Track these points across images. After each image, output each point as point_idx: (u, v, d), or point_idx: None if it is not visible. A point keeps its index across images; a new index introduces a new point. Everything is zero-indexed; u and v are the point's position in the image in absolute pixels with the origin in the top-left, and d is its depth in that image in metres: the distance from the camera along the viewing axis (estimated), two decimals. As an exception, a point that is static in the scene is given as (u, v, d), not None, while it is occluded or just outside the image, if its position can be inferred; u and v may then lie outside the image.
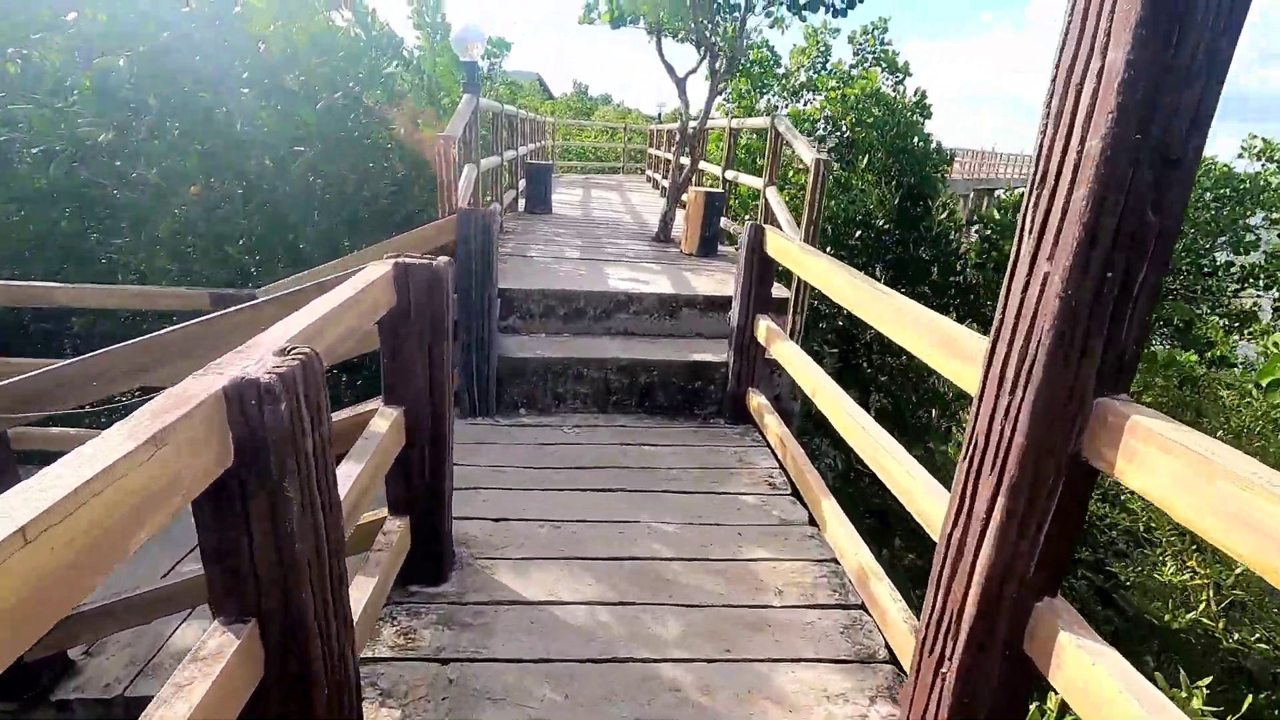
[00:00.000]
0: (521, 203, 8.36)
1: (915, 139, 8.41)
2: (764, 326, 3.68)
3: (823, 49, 10.36)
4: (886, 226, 7.58)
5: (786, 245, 3.43)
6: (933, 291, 7.63)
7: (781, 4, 6.09)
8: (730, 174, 6.51)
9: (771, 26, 6.31)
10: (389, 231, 4.77)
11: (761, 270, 3.75)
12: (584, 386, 4.11)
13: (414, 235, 3.63)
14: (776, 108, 9.59)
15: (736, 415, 4.02)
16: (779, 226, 4.56)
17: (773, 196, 4.99)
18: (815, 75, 10.27)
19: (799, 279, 4.10)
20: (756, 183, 5.45)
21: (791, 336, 4.22)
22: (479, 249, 3.66)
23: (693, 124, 6.31)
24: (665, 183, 11.52)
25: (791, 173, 7.85)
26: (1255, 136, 8.68)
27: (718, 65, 5.93)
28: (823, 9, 5.93)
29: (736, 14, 6.14)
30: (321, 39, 4.24)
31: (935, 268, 7.54)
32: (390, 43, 4.82)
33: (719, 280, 5.10)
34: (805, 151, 4.19)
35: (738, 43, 5.89)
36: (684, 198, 6.43)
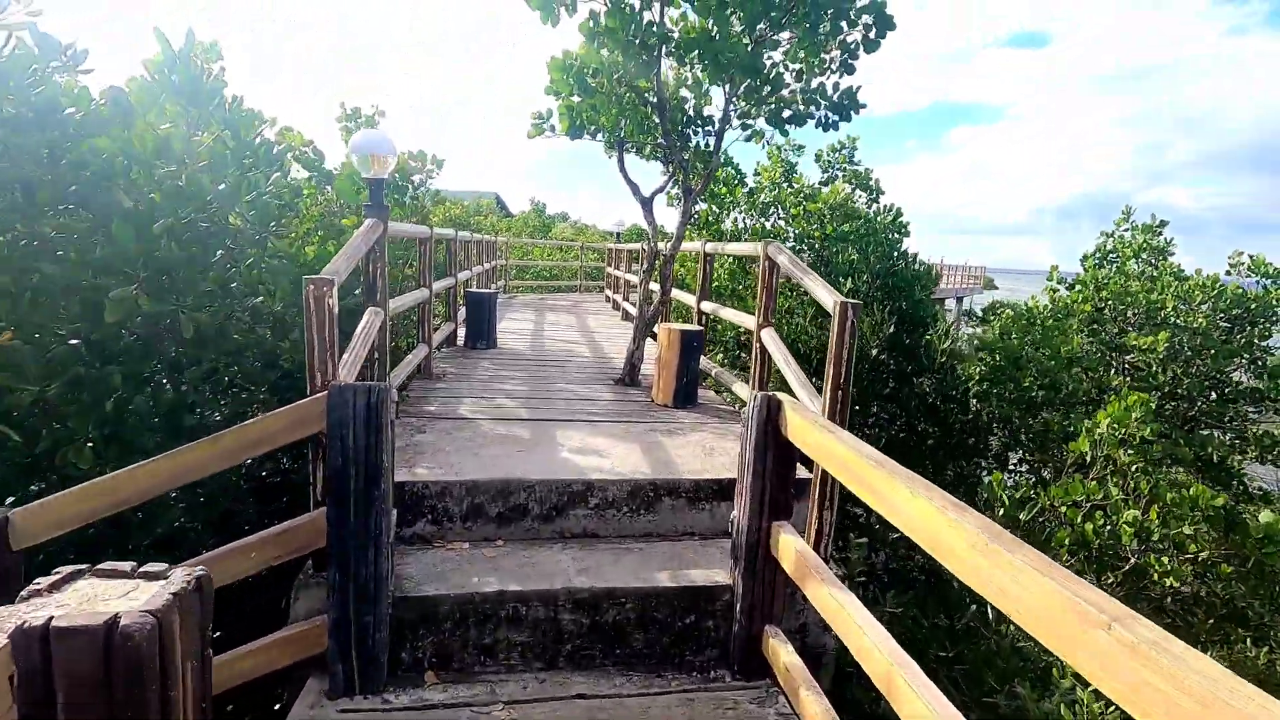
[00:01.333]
0: (462, 334, 7.23)
1: (898, 258, 7.69)
2: (788, 545, 2.48)
3: (786, 167, 9.90)
4: (882, 357, 6.64)
5: (819, 433, 2.28)
6: (940, 430, 6.61)
7: (760, 117, 5.36)
8: (708, 306, 5.50)
9: (748, 140, 5.54)
10: (256, 401, 3.50)
11: (779, 462, 2.58)
12: (523, 633, 2.77)
13: (253, 428, 2.37)
14: (744, 227, 8.91)
15: (749, 667, 2.73)
16: (787, 387, 3.47)
17: (771, 341, 3.93)
18: (778, 192, 9.73)
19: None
20: (747, 321, 4.41)
21: (818, 546, 3.00)
22: (360, 443, 2.42)
23: (662, 247, 5.36)
24: (626, 304, 10.60)
25: (792, 305, 6.93)
26: (1241, 253, 8.28)
27: (691, 183, 5.06)
28: (811, 122, 5.19)
29: (710, 127, 5.38)
30: (171, 143, 3.14)
31: (940, 401, 6.56)
32: (267, 151, 3.75)
33: (707, 448, 3.92)
34: (823, 293, 3.16)
35: (713, 159, 5.06)
36: (656, 330, 5.38)
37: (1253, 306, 7.24)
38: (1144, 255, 8.49)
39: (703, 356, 5.26)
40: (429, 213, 8.27)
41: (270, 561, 2.48)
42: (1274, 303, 7.21)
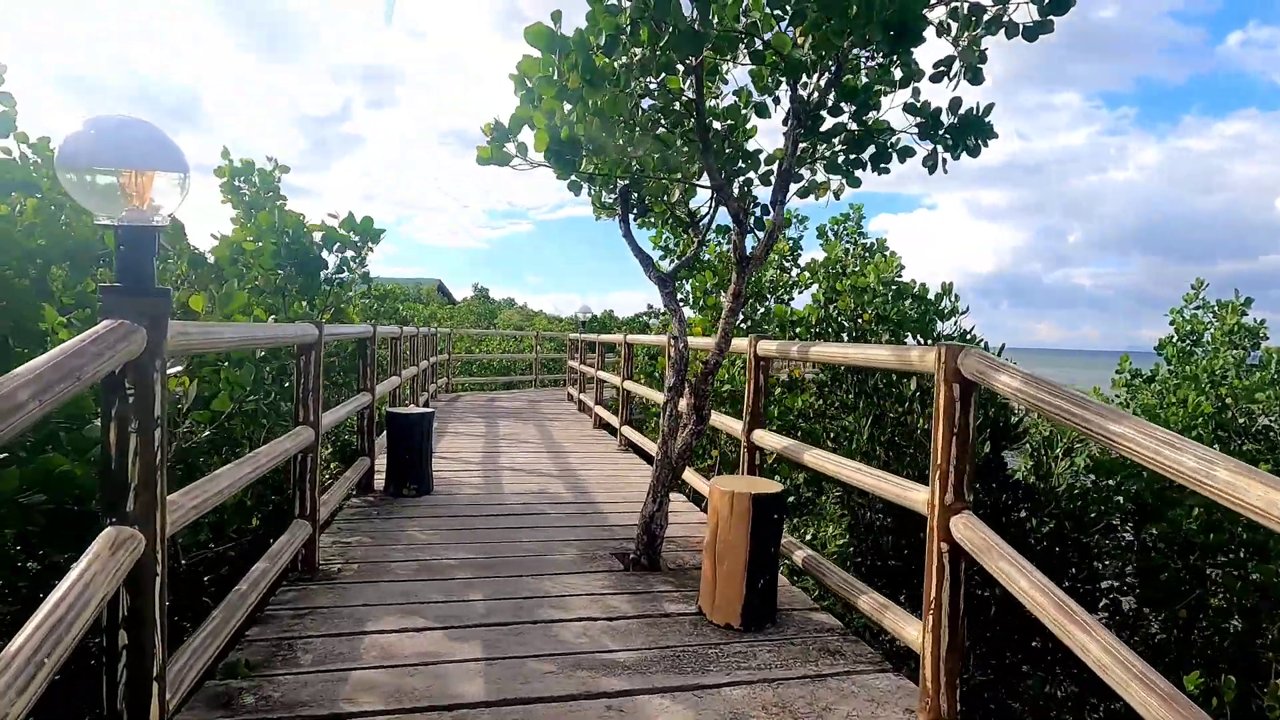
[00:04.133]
0: (380, 476, 4.96)
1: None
2: None
3: (790, 242, 8.24)
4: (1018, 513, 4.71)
5: None
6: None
7: (822, 160, 3.56)
8: (774, 440, 3.46)
9: (804, 196, 3.71)
10: None
11: None
12: None
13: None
14: (756, 309, 7.08)
15: None
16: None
17: (988, 546, 1.90)
18: (787, 268, 8.02)
19: None
20: (905, 492, 2.37)
21: None
22: None
23: (704, 344, 3.36)
24: (599, 409, 8.51)
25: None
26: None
27: (744, 249, 3.14)
28: (903, 157, 3.42)
29: (752, 167, 3.53)
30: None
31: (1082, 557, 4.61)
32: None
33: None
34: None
35: (775, 212, 3.17)
36: (688, 478, 3.30)
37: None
38: (1235, 338, 7.03)
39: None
40: (346, 305, 6.11)
41: None
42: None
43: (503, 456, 6.54)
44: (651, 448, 6.26)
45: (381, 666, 2.43)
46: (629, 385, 7.01)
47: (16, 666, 1.17)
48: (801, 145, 3.32)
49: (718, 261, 7.21)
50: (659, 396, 6.29)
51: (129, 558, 1.53)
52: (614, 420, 7.65)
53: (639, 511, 4.64)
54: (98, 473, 1.59)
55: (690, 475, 4.54)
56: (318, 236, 4.73)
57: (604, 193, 4.01)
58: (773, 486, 2.97)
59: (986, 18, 2.64)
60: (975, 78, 2.99)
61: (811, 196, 3.73)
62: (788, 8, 2.33)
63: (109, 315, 1.55)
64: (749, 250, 3.18)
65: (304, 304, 4.63)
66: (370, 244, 4.98)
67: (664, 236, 7.55)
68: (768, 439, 3.51)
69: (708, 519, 2.98)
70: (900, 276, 5.77)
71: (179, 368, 2.17)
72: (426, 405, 9.57)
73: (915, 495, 2.28)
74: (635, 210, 3.80)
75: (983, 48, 2.81)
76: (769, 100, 3.41)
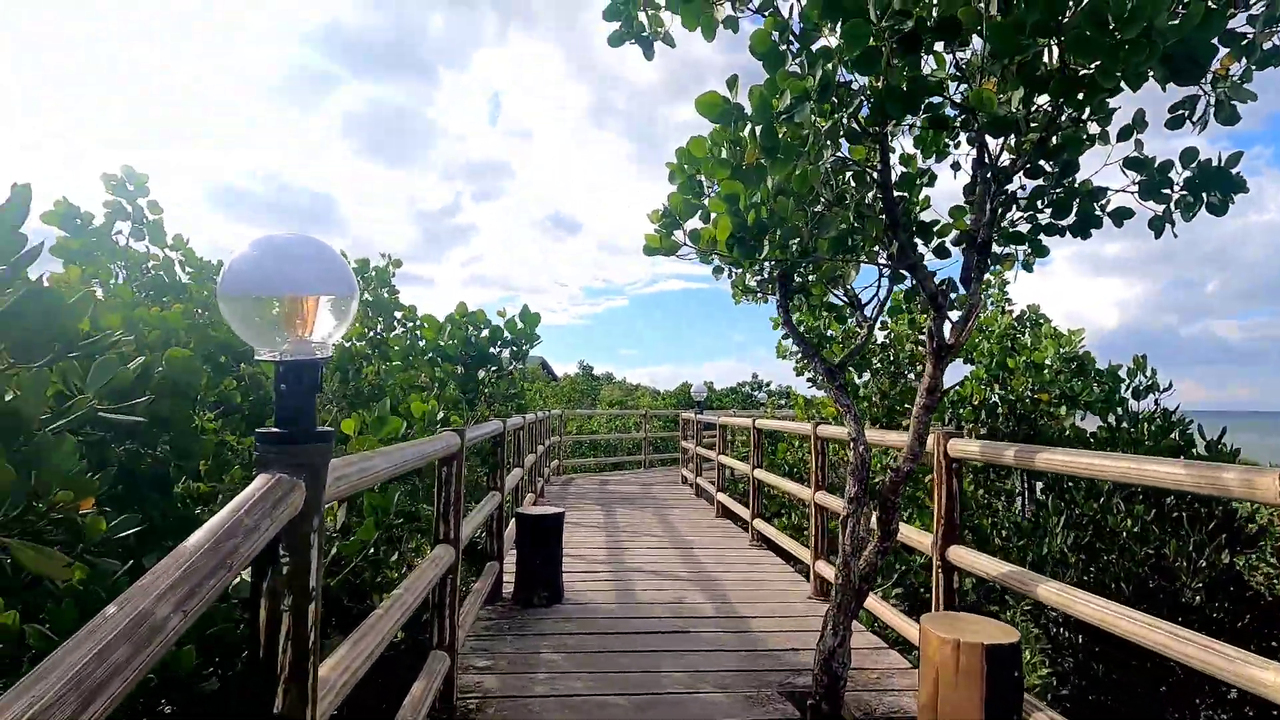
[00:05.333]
0: (510, 581, 4.65)
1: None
2: None
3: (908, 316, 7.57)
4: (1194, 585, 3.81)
5: None
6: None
7: (1009, 230, 3.08)
8: (993, 567, 2.86)
9: (992, 265, 3.21)
10: None
11: None
12: None
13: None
14: (874, 392, 6.42)
15: None
16: None
17: None
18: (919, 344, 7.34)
19: None
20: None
21: None
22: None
23: (882, 441, 2.87)
24: (722, 496, 7.97)
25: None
26: None
27: (941, 330, 2.67)
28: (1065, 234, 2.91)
29: (930, 240, 3.09)
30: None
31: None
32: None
33: None
34: None
35: (973, 290, 2.70)
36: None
37: None
38: None
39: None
40: (526, 397, 5.99)
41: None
42: None
43: (627, 554, 6.10)
44: (789, 545, 5.65)
45: None
46: (761, 475, 6.47)
47: None
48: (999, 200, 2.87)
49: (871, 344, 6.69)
50: (794, 488, 5.73)
51: None
52: (742, 511, 7.09)
53: (795, 630, 4.08)
54: (246, 657, 1.31)
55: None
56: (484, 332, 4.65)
57: (748, 276, 3.68)
58: (1001, 632, 2.37)
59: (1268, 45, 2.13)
60: (1230, 117, 2.45)
61: (1012, 265, 3.22)
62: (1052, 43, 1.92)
63: (264, 468, 1.29)
64: (946, 337, 2.70)
65: (477, 403, 4.49)
66: (529, 345, 4.86)
67: (802, 324, 7.14)
68: (974, 561, 2.91)
69: (922, 670, 2.40)
70: (1080, 348, 5.04)
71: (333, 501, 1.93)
72: (542, 493, 9.37)
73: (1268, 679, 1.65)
74: (791, 292, 3.43)
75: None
76: (948, 166, 3.00)
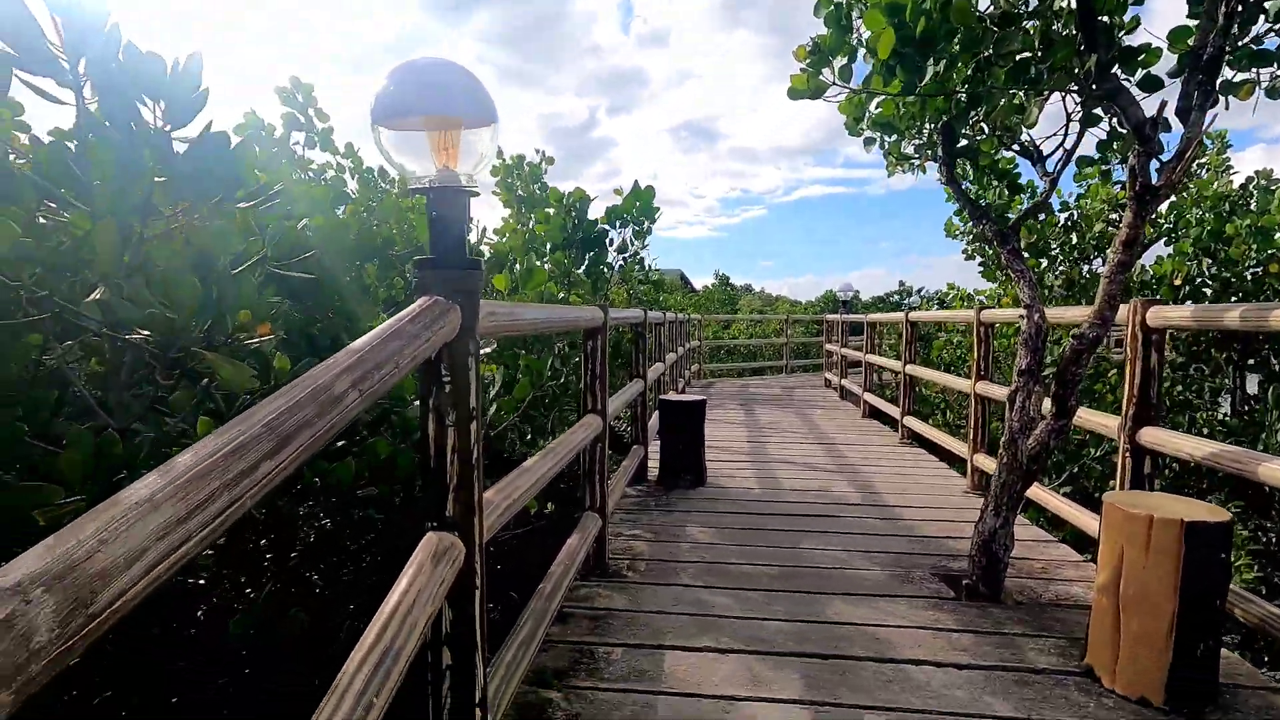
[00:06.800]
0: (655, 466, 4.81)
1: None
2: None
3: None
4: None
5: None
6: None
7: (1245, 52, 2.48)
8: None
9: (1213, 101, 2.63)
10: None
11: None
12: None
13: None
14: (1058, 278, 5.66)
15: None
16: None
17: None
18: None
19: None
20: None
21: None
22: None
23: (1064, 317, 2.56)
24: (869, 395, 7.68)
25: None
26: None
27: (1146, 173, 2.27)
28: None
29: (1142, 64, 2.57)
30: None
31: None
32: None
33: None
34: None
35: (1194, 120, 2.23)
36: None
37: None
38: None
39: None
40: (643, 286, 6.08)
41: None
42: None
43: (771, 447, 6.09)
44: (944, 440, 5.35)
45: (694, 694, 2.10)
46: (914, 370, 6.11)
47: (345, 711, 0.96)
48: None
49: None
50: (951, 380, 5.35)
51: (450, 571, 1.33)
52: (891, 410, 6.79)
53: (948, 521, 3.90)
54: (419, 468, 1.42)
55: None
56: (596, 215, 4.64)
57: (905, 141, 3.32)
58: (1209, 511, 2.08)
59: None
60: None
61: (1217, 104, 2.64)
62: None
63: (423, 292, 1.36)
64: (1153, 178, 2.29)
65: (588, 288, 4.58)
66: (649, 221, 4.81)
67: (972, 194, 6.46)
68: (1173, 441, 2.56)
69: (1102, 551, 2.19)
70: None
71: (490, 348, 2.04)
72: (683, 392, 9.52)
73: None
74: (957, 152, 3.05)
75: None
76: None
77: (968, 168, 3.20)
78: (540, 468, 2.05)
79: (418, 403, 1.69)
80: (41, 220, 1.37)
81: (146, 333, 1.39)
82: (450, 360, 1.36)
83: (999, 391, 4.31)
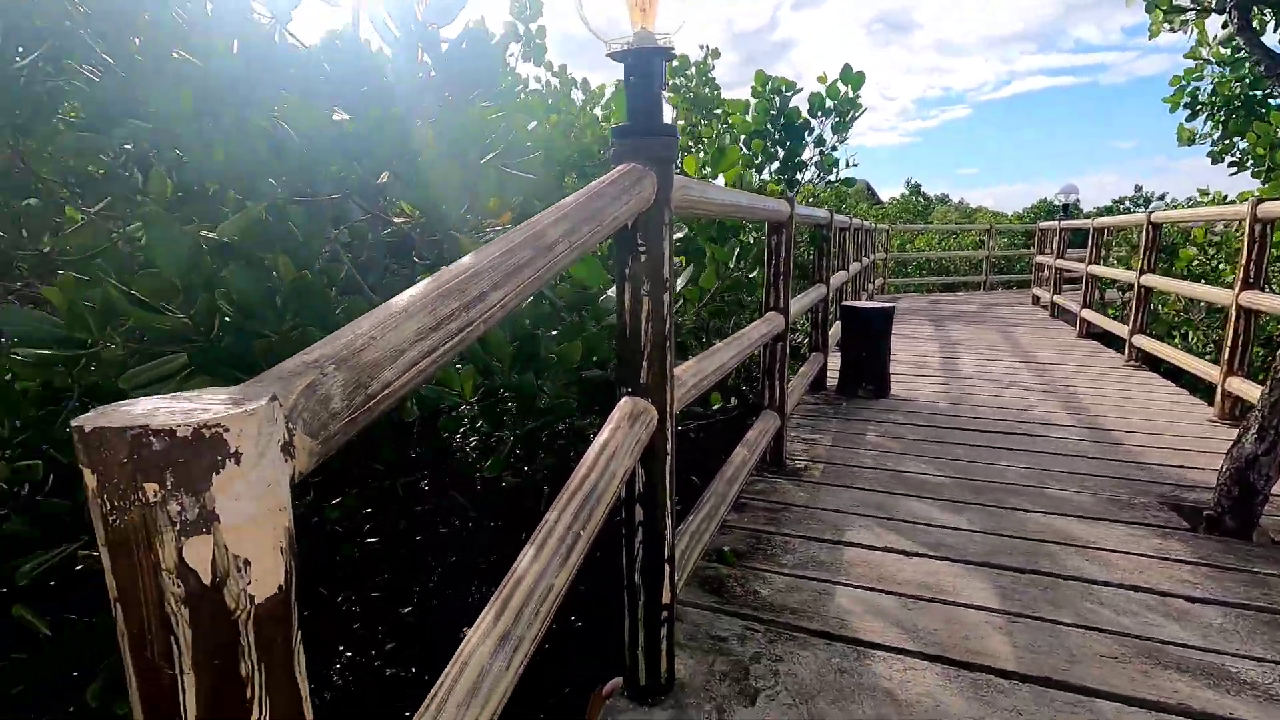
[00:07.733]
0: (834, 377, 4.66)
1: None
2: None
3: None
4: None
5: None
6: None
7: None
8: None
9: None
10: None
11: None
12: None
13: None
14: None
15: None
16: None
17: None
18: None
19: None
20: None
21: None
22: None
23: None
24: (1088, 313, 6.77)
25: None
26: None
27: None
28: None
29: None
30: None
31: None
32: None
33: None
34: None
35: None
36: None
37: None
38: None
39: None
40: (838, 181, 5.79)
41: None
42: None
43: (963, 364, 5.63)
44: (1187, 361, 4.60)
45: (875, 589, 2.08)
46: (1152, 280, 5.24)
47: (556, 539, 1.06)
48: None
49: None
50: (1205, 291, 4.51)
51: (645, 431, 1.39)
52: (1115, 328, 5.93)
53: (1186, 450, 3.40)
54: (614, 339, 1.48)
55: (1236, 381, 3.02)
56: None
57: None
58: None
59: None
60: None
61: None
62: None
63: (620, 160, 1.37)
64: None
65: (796, 183, 4.38)
66: (854, 112, 4.45)
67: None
68: None
69: None
70: None
71: (682, 231, 2.04)
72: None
73: None
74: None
75: None
76: None
77: (1265, 14, 2.55)
78: (725, 354, 2.06)
79: (608, 292, 1.75)
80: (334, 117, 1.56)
81: (406, 218, 1.57)
82: (645, 229, 1.38)
83: (1271, 303, 3.57)
